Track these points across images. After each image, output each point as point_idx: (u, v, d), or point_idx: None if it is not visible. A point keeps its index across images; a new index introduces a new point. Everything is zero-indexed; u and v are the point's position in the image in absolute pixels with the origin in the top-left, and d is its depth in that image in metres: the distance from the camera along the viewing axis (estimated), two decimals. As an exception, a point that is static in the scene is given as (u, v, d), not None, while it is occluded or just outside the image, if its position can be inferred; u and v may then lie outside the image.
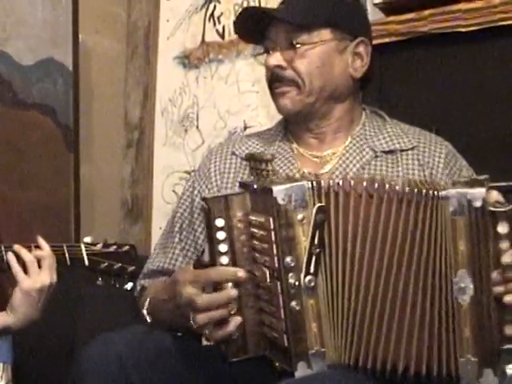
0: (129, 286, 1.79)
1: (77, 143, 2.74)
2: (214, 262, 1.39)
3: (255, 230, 1.37)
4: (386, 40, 2.07)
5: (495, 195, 1.34)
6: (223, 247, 1.38)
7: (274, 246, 1.34)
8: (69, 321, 2.30)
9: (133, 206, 2.83)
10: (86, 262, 1.76)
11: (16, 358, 1.76)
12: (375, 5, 2.17)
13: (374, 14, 2.21)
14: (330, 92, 1.63)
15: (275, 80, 1.64)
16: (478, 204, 1.31)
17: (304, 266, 1.33)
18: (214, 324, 1.37)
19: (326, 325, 1.34)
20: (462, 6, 1.98)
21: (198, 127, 2.71)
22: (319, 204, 1.34)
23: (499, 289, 1.30)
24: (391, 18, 2.09)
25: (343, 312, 1.34)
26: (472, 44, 1.99)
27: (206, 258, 1.43)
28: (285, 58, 1.61)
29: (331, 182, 1.36)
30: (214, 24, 2.68)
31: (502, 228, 1.31)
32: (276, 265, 1.34)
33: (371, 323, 1.33)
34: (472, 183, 1.35)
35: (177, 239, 1.71)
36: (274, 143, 1.70)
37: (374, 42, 2.08)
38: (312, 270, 1.33)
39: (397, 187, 1.34)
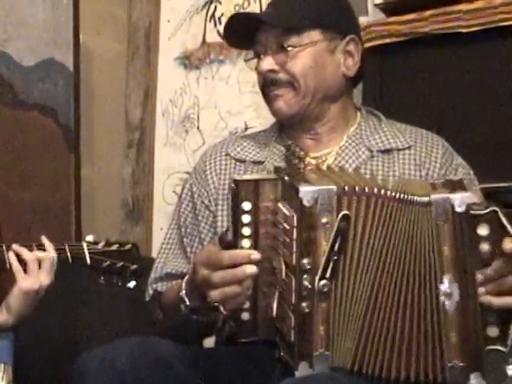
0: (131, 284, 1.79)
1: (77, 144, 2.74)
2: (236, 244, 1.38)
3: (281, 220, 1.36)
4: (387, 41, 2.07)
5: (472, 196, 1.34)
6: (247, 230, 1.37)
7: (295, 244, 1.32)
8: (70, 320, 2.30)
9: (133, 206, 2.83)
10: (88, 261, 1.76)
11: (16, 358, 1.76)
12: (376, 5, 2.17)
13: (374, 15, 2.21)
14: (324, 92, 1.62)
15: (269, 84, 1.63)
16: (461, 209, 1.31)
17: (320, 270, 1.31)
18: (228, 300, 1.37)
19: (333, 329, 1.33)
20: (463, 6, 1.98)
21: (198, 128, 2.71)
22: (344, 212, 1.32)
23: (481, 290, 1.31)
24: (392, 19, 2.09)
25: (353, 319, 1.34)
26: (473, 45, 1.99)
27: (230, 235, 1.42)
28: (276, 62, 1.61)
29: (360, 188, 1.34)
30: (215, 25, 2.68)
31: (482, 230, 1.31)
32: (293, 262, 1.33)
33: (375, 332, 1.33)
34: (453, 186, 1.36)
35: (185, 243, 1.71)
36: (269, 144, 1.69)
37: (375, 42, 2.09)
38: (328, 275, 1.31)
39: (388, 192, 1.33)
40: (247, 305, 1.38)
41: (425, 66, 2.07)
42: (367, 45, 2.10)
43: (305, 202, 1.31)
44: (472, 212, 1.31)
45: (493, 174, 1.92)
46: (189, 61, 2.74)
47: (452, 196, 1.32)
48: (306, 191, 1.31)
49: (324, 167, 1.61)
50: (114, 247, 1.80)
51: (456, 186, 1.37)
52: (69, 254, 1.73)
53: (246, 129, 2.57)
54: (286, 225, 1.34)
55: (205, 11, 2.70)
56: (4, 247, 1.68)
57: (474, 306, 1.31)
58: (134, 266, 1.80)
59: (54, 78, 2.67)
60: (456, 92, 2.02)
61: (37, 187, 2.59)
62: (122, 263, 1.79)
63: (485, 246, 1.31)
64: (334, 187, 1.32)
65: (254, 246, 1.38)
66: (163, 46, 2.79)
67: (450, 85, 2.03)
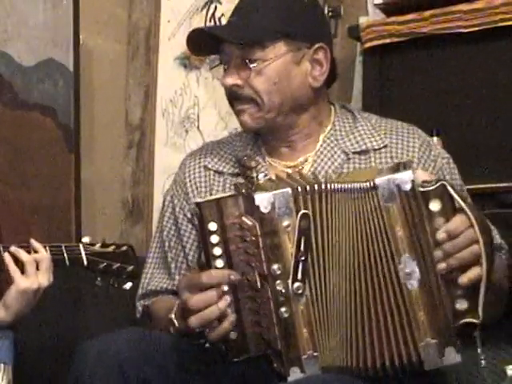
0: (127, 285, 1.79)
1: (77, 144, 2.74)
2: (209, 266, 1.39)
3: (247, 233, 1.37)
4: (387, 41, 2.07)
5: (421, 174, 1.36)
6: (217, 250, 1.38)
7: (262, 252, 1.35)
8: (69, 321, 2.30)
9: (134, 206, 2.82)
10: (85, 262, 1.76)
11: (16, 358, 1.76)
12: (376, 5, 2.17)
13: (374, 15, 2.21)
14: (290, 106, 1.59)
15: (233, 98, 1.61)
16: (407, 187, 1.33)
17: (291, 273, 1.34)
18: (207, 325, 1.37)
19: (317, 329, 1.35)
20: (463, 6, 1.98)
21: (198, 128, 2.71)
22: (303, 211, 1.34)
23: (442, 265, 1.32)
24: (392, 19, 2.08)
25: (333, 315, 1.36)
26: (473, 45, 1.99)
27: (203, 258, 1.43)
28: (240, 77, 1.57)
29: (311, 187, 1.36)
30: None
31: (434, 205, 1.33)
32: (265, 271, 1.35)
33: (356, 324, 1.35)
34: (397, 168, 1.38)
35: (169, 258, 1.70)
36: (240, 156, 1.66)
37: (375, 42, 2.09)
38: (300, 276, 1.34)
39: (329, 185, 1.36)
40: (233, 323, 1.38)
41: (425, 66, 2.07)
42: (367, 45, 2.10)
43: (262, 209, 1.34)
44: (421, 189, 1.33)
45: (493, 174, 1.92)
46: (189, 61, 2.73)
47: (396, 176, 1.34)
48: (261, 198, 1.34)
49: (298, 177, 1.59)
50: (111, 248, 1.80)
51: (401, 167, 1.38)
52: (65, 255, 1.73)
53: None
54: (252, 236, 1.36)
55: (205, 11, 2.70)
56: (1, 248, 1.69)
57: (437, 283, 1.33)
58: (131, 268, 1.80)
59: (54, 78, 2.67)
60: (456, 92, 2.02)
61: (37, 187, 2.59)
62: (118, 264, 1.79)
63: (439, 221, 1.33)
64: (288, 189, 1.35)
65: (228, 264, 1.38)
66: (163, 46, 2.79)
67: (449, 85, 2.03)
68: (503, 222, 1.53)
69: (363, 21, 2.21)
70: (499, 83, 1.97)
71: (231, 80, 1.59)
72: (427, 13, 2.02)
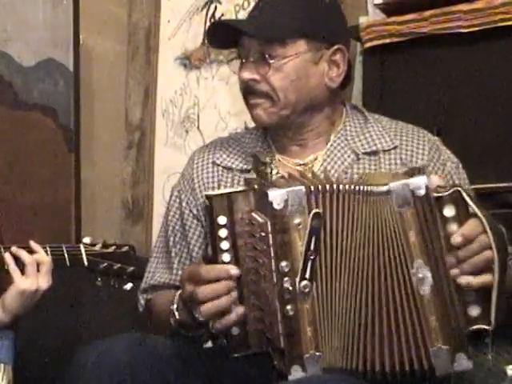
0: (128, 286, 1.79)
1: (77, 144, 2.74)
2: (216, 259, 1.39)
3: (256, 229, 1.38)
4: (387, 41, 2.07)
5: (436, 180, 1.36)
6: (225, 244, 1.38)
7: (272, 250, 1.35)
8: (69, 321, 2.30)
9: (134, 206, 2.83)
10: (86, 263, 1.76)
11: (16, 358, 1.76)
12: (376, 5, 2.17)
13: (374, 15, 2.21)
14: (305, 104, 1.59)
15: (249, 92, 1.60)
16: (421, 192, 1.33)
17: (299, 271, 1.34)
18: (218, 315, 1.37)
19: (321, 329, 1.35)
20: (463, 6, 1.98)
21: (198, 128, 2.71)
22: (315, 210, 1.34)
23: (455, 271, 1.33)
24: (392, 19, 2.08)
25: (338, 316, 1.36)
26: (473, 45, 1.99)
27: (210, 251, 1.43)
28: (258, 72, 1.57)
29: (325, 186, 1.37)
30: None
31: (448, 211, 1.33)
32: (273, 267, 1.35)
33: (364, 327, 1.35)
34: (412, 173, 1.38)
35: (173, 253, 1.70)
36: (254, 151, 1.66)
37: (375, 42, 2.09)
38: (307, 275, 1.34)
39: (347, 186, 1.37)
40: (240, 316, 1.38)
41: (425, 66, 2.07)
42: (367, 45, 2.10)
43: (275, 205, 1.34)
44: (435, 195, 1.33)
45: (493, 174, 1.92)
46: (189, 61, 2.74)
47: (410, 181, 1.34)
48: (275, 194, 1.34)
49: (310, 175, 1.60)
50: (112, 249, 1.80)
51: (415, 172, 1.38)
52: (66, 255, 1.73)
53: (246, 129, 2.56)
54: (261, 233, 1.36)
55: (205, 11, 2.70)
56: (2, 248, 1.69)
57: (449, 289, 1.33)
58: (131, 268, 1.80)
59: (54, 78, 2.67)
60: (456, 92, 2.02)
61: (37, 187, 2.59)
62: (119, 265, 1.79)
63: (453, 227, 1.33)
64: (302, 187, 1.35)
65: (235, 259, 1.38)
66: (163, 46, 2.79)
67: (449, 85, 2.03)
68: (503, 222, 1.52)
69: (363, 21, 2.21)
70: (499, 83, 1.97)
71: (248, 74, 1.59)
72: (427, 13, 2.01)
